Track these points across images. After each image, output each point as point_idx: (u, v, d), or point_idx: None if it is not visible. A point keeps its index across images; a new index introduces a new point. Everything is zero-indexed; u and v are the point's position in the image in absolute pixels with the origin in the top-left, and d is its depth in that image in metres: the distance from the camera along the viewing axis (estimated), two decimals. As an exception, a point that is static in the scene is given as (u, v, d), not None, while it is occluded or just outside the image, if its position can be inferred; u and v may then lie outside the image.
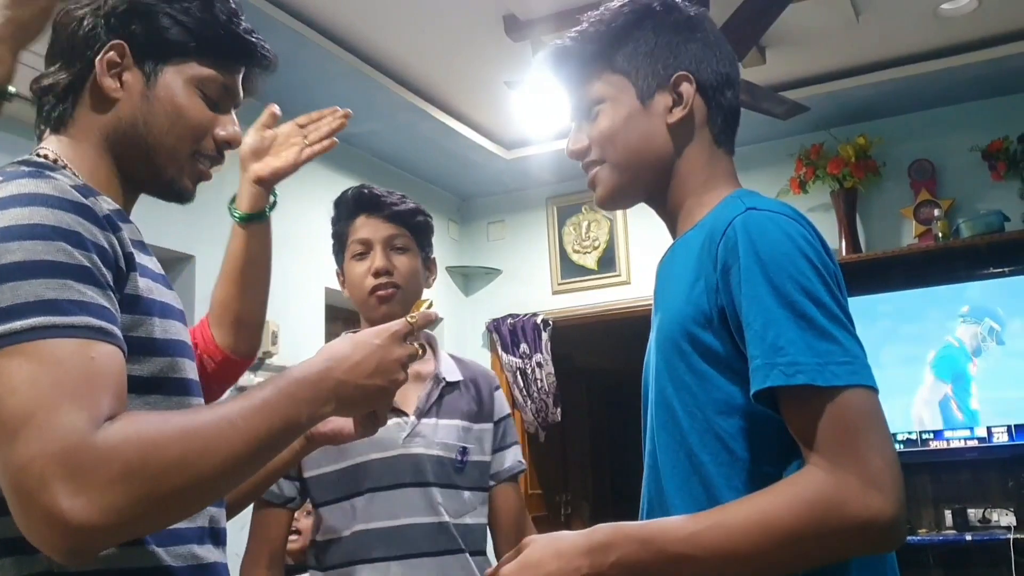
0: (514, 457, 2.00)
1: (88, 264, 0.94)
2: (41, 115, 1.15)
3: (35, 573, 0.96)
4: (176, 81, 1.14)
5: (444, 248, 5.15)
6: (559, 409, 5.32)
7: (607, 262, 5.36)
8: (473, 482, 1.89)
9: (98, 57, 1.10)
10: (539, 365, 5.23)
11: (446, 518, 1.81)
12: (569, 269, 5.45)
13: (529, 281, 5.46)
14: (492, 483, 1.95)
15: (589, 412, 7.54)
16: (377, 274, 1.87)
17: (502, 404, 2.01)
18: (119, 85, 1.12)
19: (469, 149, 4.88)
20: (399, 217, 1.91)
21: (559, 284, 5.46)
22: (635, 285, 5.25)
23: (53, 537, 0.85)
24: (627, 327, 5.66)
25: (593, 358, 7.20)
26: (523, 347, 5.23)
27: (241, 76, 1.22)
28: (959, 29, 4.00)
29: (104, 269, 0.96)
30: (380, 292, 1.87)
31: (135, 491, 0.86)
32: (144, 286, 1.04)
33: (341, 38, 3.78)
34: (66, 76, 1.12)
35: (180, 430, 0.92)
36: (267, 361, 3.88)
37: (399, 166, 5.03)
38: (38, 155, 1.11)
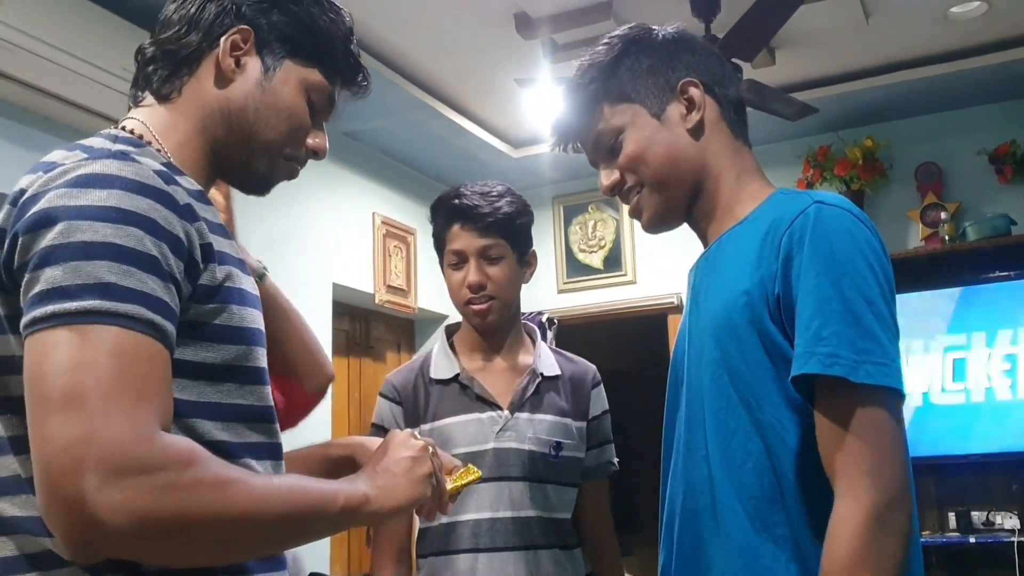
0: (606, 456, 2.00)
1: (156, 254, 0.92)
2: (143, 79, 1.15)
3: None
4: (292, 79, 1.15)
5: (451, 245, 5.08)
6: (563, 408, 5.34)
7: (613, 262, 5.36)
8: (567, 478, 1.90)
9: (224, 36, 1.12)
10: (544, 363, 5.23)
11: (533, 512, 1.83)
12: (575, 268, 5.45)
13: (534, 280, 5.38)
14: (583, 479, 1.95)
15: (593, 411, 7.52)
16: (471, 288, 1.89)
17: (599, 401, 2.01)
18: (237, 67, 1.13)
19: (477, 147, 4.89)
20: (493, 228, 1.90)
21: (564, 283, 5.47)
22: (641, 285, 5.26)
23: (68, 524, 0.83)
24: (632, 327, 5.68)
25: (597, 358, 7.16)
26: (528, 345, 5.23)
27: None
28: (968, 32, 4.00)
29: (173, 260, 0.94)
30: (476, 306, 1.91)
31: (170, 508, 0.85)
32: (223, 275, 1.02)
33: (351, 35, 3.78)
34: (196, 43, 1.12)
35: (225, 468, 0.91)
36: (274, 356, 3.88)
37: (407, 163, 5.04)
38: (125, 128, 1.10)
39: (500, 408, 1.87)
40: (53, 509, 0.84)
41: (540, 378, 1.92)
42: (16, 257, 0.92)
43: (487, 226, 1.89)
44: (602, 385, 2.04)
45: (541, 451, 1.86)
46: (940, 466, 4.39)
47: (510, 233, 1.92)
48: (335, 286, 4.40)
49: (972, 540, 4.15)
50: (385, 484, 1.07)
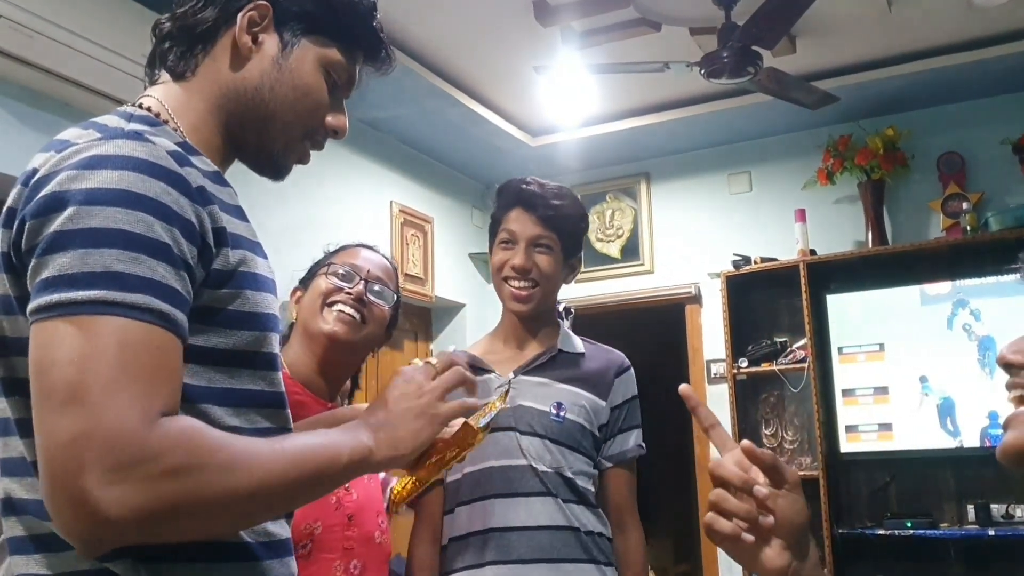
0: (634, 441, 2.05)
1: (167, 240, 0.90)
2: (159, 56, 1.13)
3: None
4: (309, 56, 1.12)
5: (467, 235, 5.15)
6: (580, 397, 5.34)
7: (630, 251, 5.34)
8: (573, 441, 1.94)
9: (241, 12, 1.09)
10: (561, 353, 5.23)
11: (528, 462, 1.88)
12: (592, 257, 5.43)
13: (552, 268, 5.43)
14: (608, 464, 2.00)
15: (610, 401, 7.51)
16: (515, 269, 1.97)
17: (627, 387, 2.06)
18: (254, 45, 1.10)
19: (495, 136, 4.87)
20: (550, 221, 1.99)
21: (582, 272, 5.43)
22: (658, 274, 5.24)
23: (75, 522, 0.83)
24: (649, 316, 5.66)
25: (614, 347, 7.18)
26: (545, 334, 5.22)
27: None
28: (992, 20, 3.95)
29: (186, 245, 0.93)
30: (516, 289, 1.98)
31: (171, 496, 0.84)
32: (237, 259, 1.01)
33: (369, 22, 3.78)
34: (212, 18, 1.10)
35: (228, 444, 0.90)
36: (291, 343, 3.89)
37: (424, 152, 5.04)
38: (141, 106, 1.09)
39: (496, 373, 1.96)
40: (59, 507, 0.84)
41: (556, 351, 2.00)
42: (25, 240, 0.91)
43: (543, 217, 1.99)
44: (631, 371, 2.09)
45: (541, 408, 1.92)
46: (960, 458, 4.36)
47: (562, 231, 2.02)
48: (352, 274, 4.39)
49: (991, 533, 4.11)
50: (386, 436, 1.06)
